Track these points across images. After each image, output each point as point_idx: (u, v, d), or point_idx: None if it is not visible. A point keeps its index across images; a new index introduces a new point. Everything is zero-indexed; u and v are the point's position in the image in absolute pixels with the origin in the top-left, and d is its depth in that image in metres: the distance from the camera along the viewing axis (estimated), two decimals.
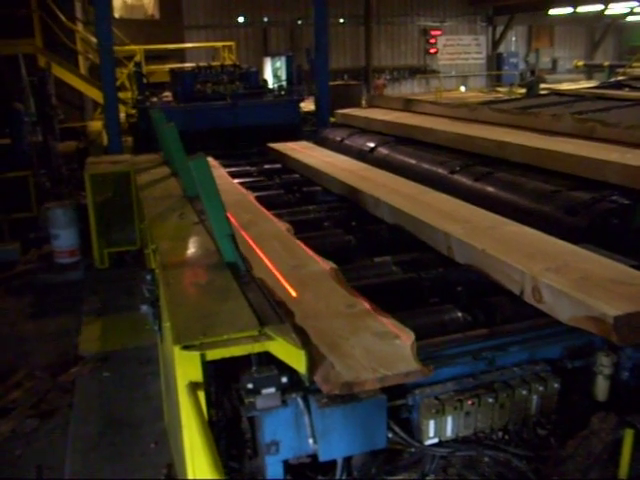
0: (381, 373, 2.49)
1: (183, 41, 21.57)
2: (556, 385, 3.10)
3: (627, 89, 8.42)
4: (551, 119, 5.69)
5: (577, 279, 2.97)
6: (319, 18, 11.30)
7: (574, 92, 8.64)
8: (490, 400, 2.98)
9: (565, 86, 14.55)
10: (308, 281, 3.32)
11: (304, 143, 7.88)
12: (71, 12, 16.03)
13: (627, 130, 4.86)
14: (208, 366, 2.67)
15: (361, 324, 2.85)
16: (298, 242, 3.97)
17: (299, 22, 30.28)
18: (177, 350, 2.58)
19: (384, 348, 2.65)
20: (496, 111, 6.58)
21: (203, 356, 2.58)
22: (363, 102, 17.35)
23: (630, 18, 34.60)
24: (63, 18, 15.27)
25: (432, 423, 2.92)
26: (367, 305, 3.03)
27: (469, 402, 2.95)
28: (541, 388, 3.06)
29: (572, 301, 2.80)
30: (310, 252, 3.77)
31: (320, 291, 3.20)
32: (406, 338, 2.72)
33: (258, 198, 5.50)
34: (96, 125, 14.57)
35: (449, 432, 2.98)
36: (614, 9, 31.51)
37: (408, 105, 7.96)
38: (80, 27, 16.63)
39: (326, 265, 3.55)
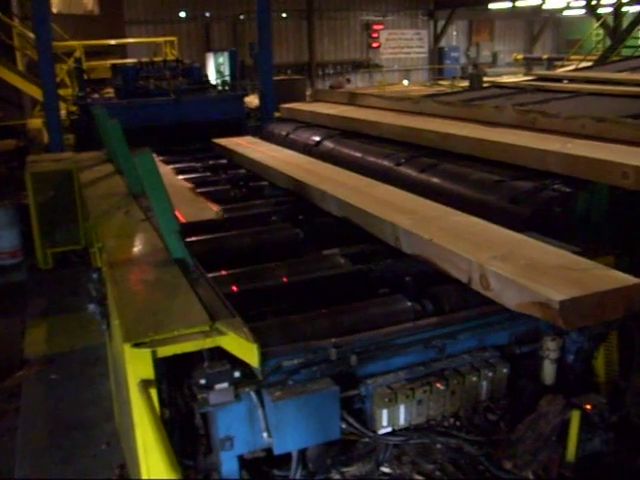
0: (196, 218, 4.70)
1: (124, 36, 21.21)
2: (505, 370, 3.16)
3: (566, 81, 8.60)
4: (494, 111, 5.78)
5: (523, 266, 3.02)
6: (261, 13, 11.26)
7: (514, 84, 8.79)
8: (441, 387, 3.03)
9: (505, 79, 14.79)
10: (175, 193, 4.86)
11: (249, 138, 7.83)
12: (7, 7, 15.61)
13: (567, 120, 4.98)
14: (160, 363, 2.64)
15: (195, 204, 5.08)
16: (182, 183, 6.00)
17: (241, 17, 30.10)
18: (127, 348, 2.54)
19: (202, 212, 4.87)
20: (440, 103, 6.65)
21: (154, 353, 2.56)
22: (307, 96, 17.36)
23: (567, 12, 35.36)
24: None
25: (385, 412, 2.95)
26: (204, 200, 5.26)
27: (421, 390, 2.99)
28: (490, 374, 3.12)
29: (519, 288, 2.85)
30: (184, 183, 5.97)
31: (181, 196, 5.22)
32: (216, 209, 4.96)
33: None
34: (36, 123, 14.23)
35: (402, 421, 3.02)
36: (552, 3, 32.15)
37: (353, 99, 7.99)
38: (17, 22, 16.20)
39: (188, 185, 5.82)
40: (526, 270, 2.98)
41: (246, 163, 6.53)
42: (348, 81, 32.18)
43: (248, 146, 7.04)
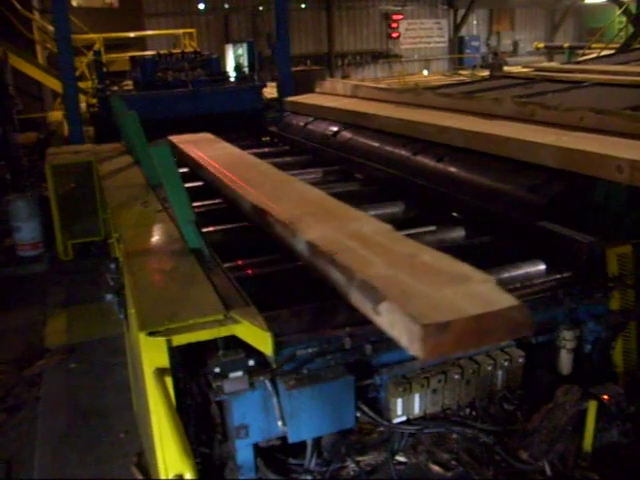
0: None
1: (143, 29, 21.28)
2: (521, 360, 3.15)
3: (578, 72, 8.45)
4: (492, 103, 5.60)
5: None
6: (279, 3, 11.26)
7: (524, 75, 8.64)
8: (456, 377, 3.02)
9: (512, 69, 14.67)
10: None
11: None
12: (27, 1, 15.71)
13: (566, 112, 4.79)
14: (175, 352, 2.66)
15: None
16: None
17: (260, 8, 30.04)
18: (143, 337, 2.57)
19: None
20: (439, 95, 6.52)
21: (169, 342, 2.57)
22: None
23: (589, 0, 34.91)
24: (19, 7, 14.97)
25: (400, 401, 2.95)
26: None
27: (435, 379, 2.98)
28: (506, 363, 3.11)
29: None
30: None
31: None
32: None
33: None
34: (56, 115, 14.35)
35: (417, 410, 3.02)
36: None
37: (355, 91, 7.85)
38: (37, 16, 16.30)
39: None
40: None
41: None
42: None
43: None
